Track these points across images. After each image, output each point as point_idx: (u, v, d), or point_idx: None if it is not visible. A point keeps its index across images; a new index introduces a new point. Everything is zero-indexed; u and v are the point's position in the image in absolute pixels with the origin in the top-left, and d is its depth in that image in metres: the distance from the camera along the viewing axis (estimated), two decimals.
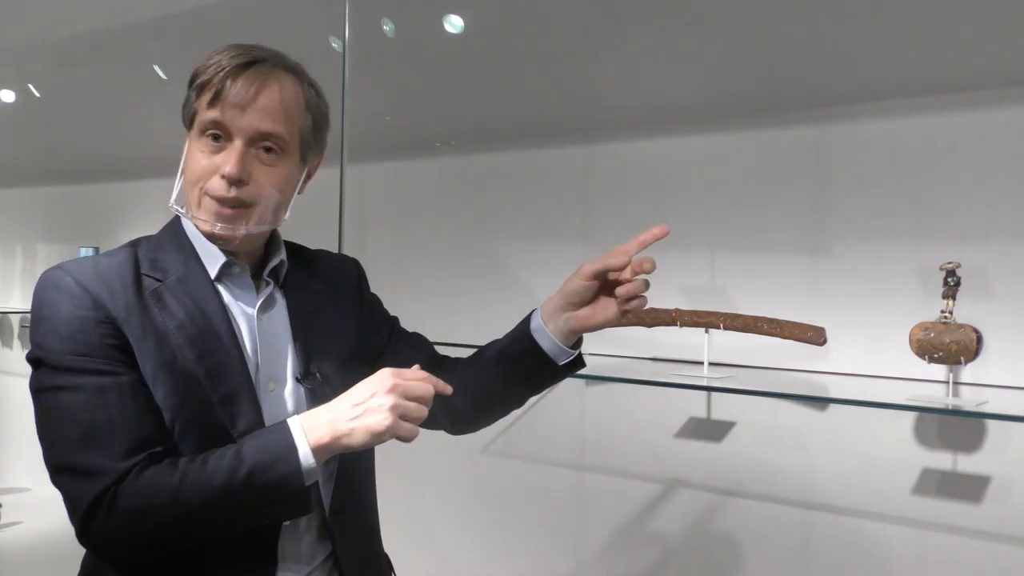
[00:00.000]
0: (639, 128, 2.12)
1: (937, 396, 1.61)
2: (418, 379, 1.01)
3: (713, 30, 1.78)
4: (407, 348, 1.27)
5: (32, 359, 1.02)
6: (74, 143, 3.26)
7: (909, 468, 1.76)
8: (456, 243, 2.42)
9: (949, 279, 1.58)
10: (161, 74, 2.51)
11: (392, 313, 1.32)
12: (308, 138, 1.13)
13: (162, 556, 1.01)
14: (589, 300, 1.15)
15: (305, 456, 0.96)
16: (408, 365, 1.10)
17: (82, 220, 3.47)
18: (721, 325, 1.86)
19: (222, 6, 2.18)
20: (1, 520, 3.22)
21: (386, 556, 1.28)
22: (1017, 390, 1.65)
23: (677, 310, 1.92)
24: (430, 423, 1.15)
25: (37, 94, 2.90)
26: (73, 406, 0.99)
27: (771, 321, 1.81)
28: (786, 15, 1.68)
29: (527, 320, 1.19)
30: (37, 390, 1.02)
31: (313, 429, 0.98)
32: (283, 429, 0.98)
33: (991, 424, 1.68)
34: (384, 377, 0.99)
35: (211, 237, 1.09)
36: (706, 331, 1.88)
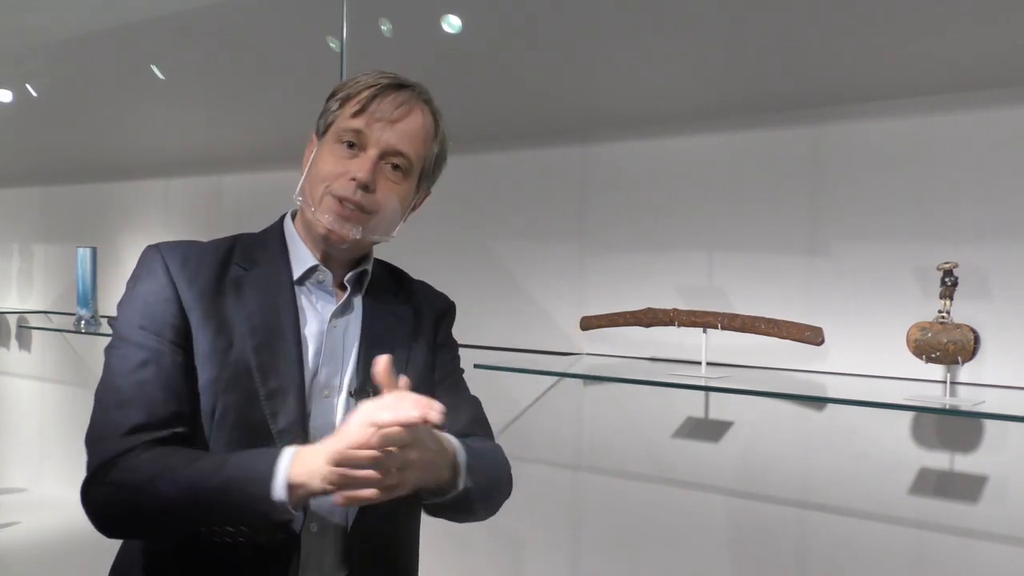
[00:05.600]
0: (637, 128, 2.12)
1: (934, 396, 1.61)
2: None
3: (710, 30, 1.78)
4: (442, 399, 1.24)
5: (110, 323, 1.13)
6: (71, 143, 3.25)
7: (906, 468, 1.76)
8: (453, 243, 2.42)
9: (946, 279, 1.58)
10: (159, 74, 2.51)
11: None
12: (428, 168, 1.19)
13: (145, 538, 1.06)
14: None
15: (279, 487, 0.95)
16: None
17: (79, 220, 3.46)
18: (719, 325, 1.86)
19: (221, 6, 2.17)
20: None
21: None
22: (1014, 390, 1.65)
23: (675, 310, 1.93)
24: None
25: (34, 94, 2.89)
26: (116, 370, 1.05)
27: (769, 321, 1.81)
28: (783, 15, 1.68)
29: None
30: (105, 349, 1.09)
31: (298, 464, 0.97)
32: (274, 453, 0.98)
33: (988, 424, 1.68)
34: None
35: (326, 237, 1.12)
36: (704, 331, 1.88)
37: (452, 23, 2.00)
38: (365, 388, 1.12)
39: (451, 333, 1.31)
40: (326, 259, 1.16)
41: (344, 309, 1.16)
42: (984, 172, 1.69)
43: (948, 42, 1.61)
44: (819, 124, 1.87)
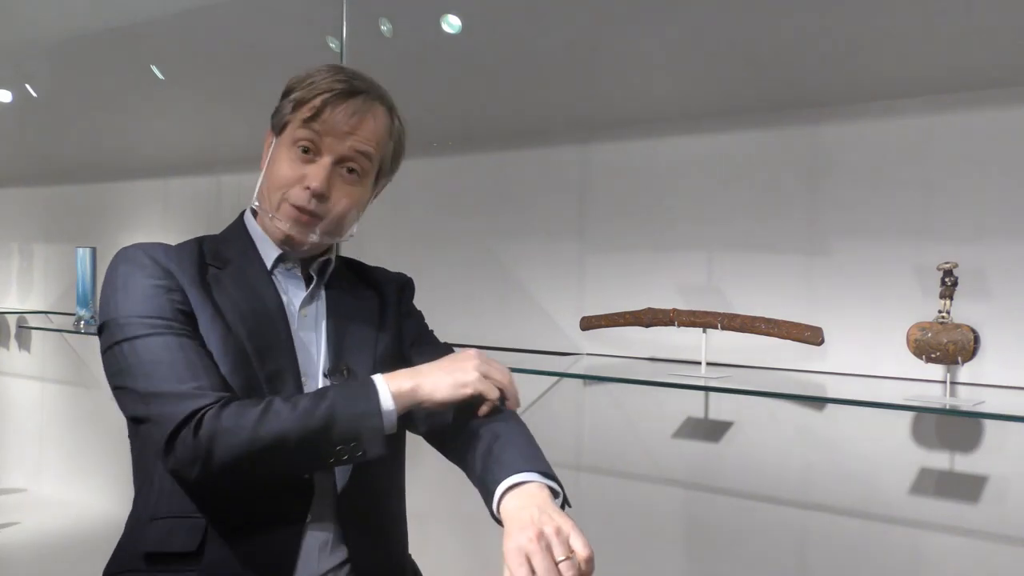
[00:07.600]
0: (636, 128, 2.12)
1: (934, 396, 1.61)
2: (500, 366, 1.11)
3: (710, 30, 1.78)
4: (419, 356, 1.26)
5: (101, 324, 1.08)
6: (70, 143, 3.26)
7: (906, 468, 1.76)
8: (452, 243, 2.42)
9: (946, 279, 1.58)
10: (159, 74, 2.51)
11: None
12: (386, 165, 1.22)
13: (235, 484, 1.04)
14: None
15: (385, 398, 1.01)
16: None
17: (79, 220, 3.47)
18: (719, 325, 1.86)
19: (221, 6, 2.18)
20: None
21: (412, 563, 1.29)
22: (1014, 390, 1.65)
23: (675, 310, 1.93)
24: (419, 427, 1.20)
25: (34, 94, 2.89)
26: (156, 347, 1.03)
27: (768, 321, 1.81)
28: (783, 15, 1.68)
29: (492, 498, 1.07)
30: (110, 346, 1.06)
31: (394, 379, 1.04)
32: (366, 378, 1.05)
33: (988, 424, 1.68)
34: (467, 351, 1.10)
35: (284, 239, 1.16)
36: (703, 331, 1.88)
37: (452, 23, 2.01)
38: (338, 368, 1.16)
39: (413, 303, 1.36)
40: (291, 248, 1.20)
41: (311, 298, 1.20)
42: (984, 172, 1.69)
43: (948, 42, 1.61)
44: (818, 124, 1.87)
